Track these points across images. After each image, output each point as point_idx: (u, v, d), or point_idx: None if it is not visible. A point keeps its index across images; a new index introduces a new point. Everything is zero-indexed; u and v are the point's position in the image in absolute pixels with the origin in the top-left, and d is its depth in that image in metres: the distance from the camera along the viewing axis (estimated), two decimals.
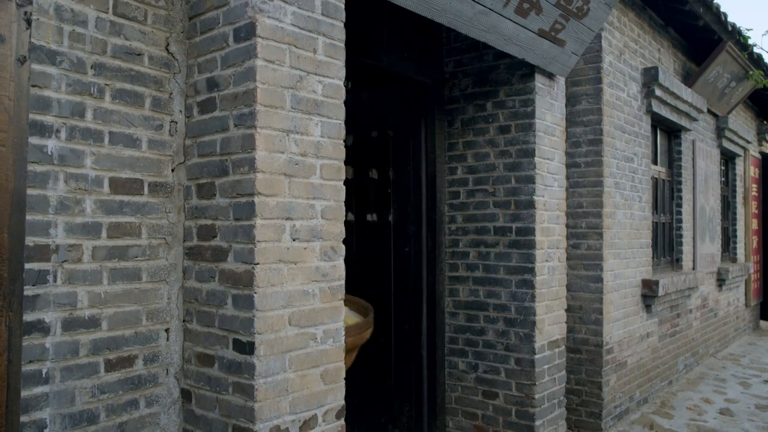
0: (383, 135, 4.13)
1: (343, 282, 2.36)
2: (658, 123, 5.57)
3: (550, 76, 3.77)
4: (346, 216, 2.44)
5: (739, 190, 8.21)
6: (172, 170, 2.32)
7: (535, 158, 3.63)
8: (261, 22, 2.08)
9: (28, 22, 1.12)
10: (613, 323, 4.46)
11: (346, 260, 2.40)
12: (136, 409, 2.17)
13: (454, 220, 3.96)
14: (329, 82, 2.31)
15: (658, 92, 5.06)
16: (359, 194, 4.15)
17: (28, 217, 1.86)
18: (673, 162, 5.97)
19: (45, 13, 1.95)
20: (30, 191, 1.87)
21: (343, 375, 2.36)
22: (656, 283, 4.90)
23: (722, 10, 5.58)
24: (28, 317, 1.87)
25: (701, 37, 5.88)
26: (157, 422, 2.23)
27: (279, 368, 2.12)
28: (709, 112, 6.69)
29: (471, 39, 3.69)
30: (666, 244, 5.83)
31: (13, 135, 1.12)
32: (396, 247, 4.03)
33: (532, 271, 3.61)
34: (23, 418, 1.81)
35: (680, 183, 5.94)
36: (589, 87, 4.41)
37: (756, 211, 8.83)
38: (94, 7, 2.09)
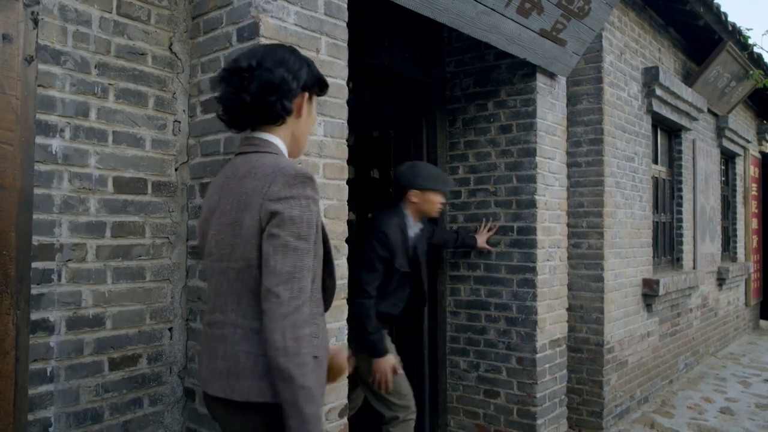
0: (385, 135, 4.13)
1: (345, 281, 2.37)
2: (659, 122, 5.58)
3: (551, 75, 3.78)
4: (347, 215, 2.44)
5: (739, 189, 8.22)
6: (176, 170, 2.33)
7: (537, 158, 3.64)
8: (264, 22, 2.09)
9: (35, 22, 1.12)
10: (614, 322, 4.47)
11: (348, 259, 2.40)
12: (140, 408, 2.18)
13: (455, 220, 3.97)
14: (332, 82, 2.31)
15: (658, 92, 5.07)
16: (361, 194, 4.16)
17: (33, 216, 1.87)
18: (673, 161, 5.97)
19: (49, 13, 1.96)
20: (35, 190, 1.88)
21: (346, 374, 2.37)
22: (657, 282, 4.91)
23: (722, 9, 5.59)
24: (33, 316, 1.88)
25: (701, 37, 5.89)
26: (160, 421, 2.24)
27: None
28: (710, 111, 6.70)
29: (472, 39, 3.69)
30: (666, 244, 5.84)
31: (21, 134, 1.12)
32: None
33: (533, 270, 3.62)
34: (28, 417, 1.82)
35: (680, 182, 5.95)
36: (589, 87, 4.42)
37: (756, 211, 8.84)
38: (98, 7, 2.09)
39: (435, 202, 3.15)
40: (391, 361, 2.97)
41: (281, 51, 1.57)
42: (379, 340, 2.95)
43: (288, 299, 1.38)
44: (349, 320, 2.97)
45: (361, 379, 3.07)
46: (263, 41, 2.08)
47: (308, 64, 1.60)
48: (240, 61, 1.54)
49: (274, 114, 1.54)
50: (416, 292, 3.28)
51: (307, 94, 1.60)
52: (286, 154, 1.58)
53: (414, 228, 3.17)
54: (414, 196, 3.11)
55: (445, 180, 3.21)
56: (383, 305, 3.06)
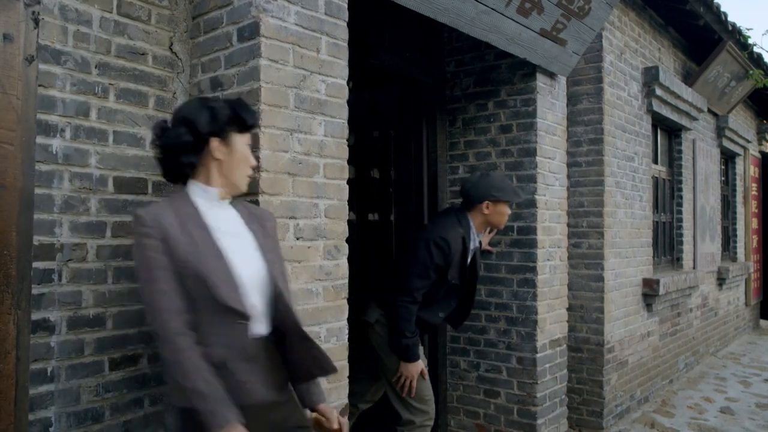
0: (385, 134, 4.14)
1: (346, 281, 2.37)
2: (659, 122, 5.58)
3: (552, 75, 3.77)
4: (348, 215, 2.44)
5: (739, 189, 8.22)
6: None
7: (537, 157, 3.63)
8: (265, 22, 2.09)
9: (36, 22, 1.12)
10: (614, 322, 4.47)
11: (348, 259, 2.41)
12: (140, 408, 2.18)
13: None
14: (332, 82, 2.32)
15: (658, 92, 5.07)
16: (361, 194, 4.16)
17: (34, 216, 1.86)
18: (673, 161, 5.98)
19: (50, 13, 1.95)
20: (35, 190, 1.87)
21: (347, 374, 2.37)
22: (657, 282, 4.91)
23: (722, 9, 5.59)
24: (34, 316, 1.88)
25: (701, 37, 5.89)
26: (161, 421, 2.24)
27: None
28: (710, 111, 6.69)
29: (472, 39, 3.69)
30: (666, 244, 5.84)
31: (22, 134, 1.12)
32: (398, 247, 4.04)
33: (533, 270, 3.62)
34: (29, 417, 1.81)
35: (680, 182, 5.95)
36: (589, 86, 4.42)
37: (756, 211, 8.84)
38: (99, 7, 2.09)
39: (505, 213, 3.10)
40: (419, 366, 2.94)
41: (188, 107, 1.78)
42: (414, 345, 2.91)
43: (154, 323, 1.64)
44: (387, 319, 2.96)
45: (385, 376, 3.04)
46: (264, 41, 2.08)
47: (213, 111, 1.74)
48: (156, 128, 1.79)
49: (179, 170, 1.78)
50: (464, 305, 3.22)
51: (218, 139, 1.75)
52: (204, 193, 1.78)
53: (475, 241, 3.12)
54: (486, 207, 3.06)
55: (517, 191, 3.15)
56: (425, 313, 3.00)
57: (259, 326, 1.78)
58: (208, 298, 1.67)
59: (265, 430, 1.77)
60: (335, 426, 1.90)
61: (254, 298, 1.75)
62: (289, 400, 1.88)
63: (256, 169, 2.06)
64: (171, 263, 1.65)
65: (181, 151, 1.74)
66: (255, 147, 2.07)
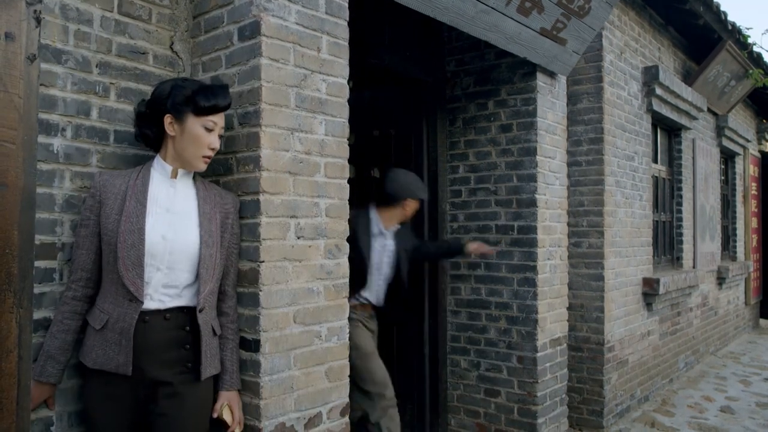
0: (385, 134, 4.14)
1: (347, 280, 2.37)
2: (659, 122, 5.58)
3: (552, 74, 3.78)
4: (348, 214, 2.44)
5: (739, 188, 8.23)
6: None
7: (537, 157, 3.64)
8: (266, 21, 2.09)
9: (38, 21, 1.12)
10: (614, 321, 4.47)
11: (348, 258, 2.40)
12: None
13: (455, 219, 3.97)
14: (333, 81, 2.32)
15: (658, 91, 5.07)
16: (361, 193, 4.15)
17: (35, 215, 1.86)
18: (673, 161, 5.98)
19: (50, 12, 1.96)
20: (36, 189, 1.87)
21: (348, 372, 2.37)
22: (657, 281, 4.91)
23: (722, 9, 5.60)
24: (35, 315, 1.88)
25: (701, 36, 5.89)
26: None
27: (284, 366, 2.12)
28: (709, 110, 6.70)
29: (472, 38, 3.69)
30: (666, 243, 5.85)
31: (23, 133, 1.12)
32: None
33: (533, 269, 3.62)
34: (31, 416, 1.81)
35: (680, 182, 5.95)
36: (590, 86, 4.42)
37: (755, 210, 8.84)
38: (99, 6, 2.09)
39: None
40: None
41: (161, 83, 1.95)
42: None
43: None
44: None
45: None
46: (264, 40, 2.08)
47: (174, 89, 1.87)
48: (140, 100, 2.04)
49: (142, 139, 1.98)
50: (394, 306, 3.35)
51: (171, 116, 1.88)
52: (161, 168, 1.93)
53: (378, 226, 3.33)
54: None
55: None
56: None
57: (176, 300, 1.89)
58: (114, 267, 1.83)
59: (127, 401, 1.85)
60: (215, 415, 2.00)
61: (180, 275, 1.88)
62: (181, 382, 1.89)
63: (258, 168, 2.07)
64: (97, 225, 1.85)
65: (138, 120, 1.95)
66: (256, 146, 2.07)
